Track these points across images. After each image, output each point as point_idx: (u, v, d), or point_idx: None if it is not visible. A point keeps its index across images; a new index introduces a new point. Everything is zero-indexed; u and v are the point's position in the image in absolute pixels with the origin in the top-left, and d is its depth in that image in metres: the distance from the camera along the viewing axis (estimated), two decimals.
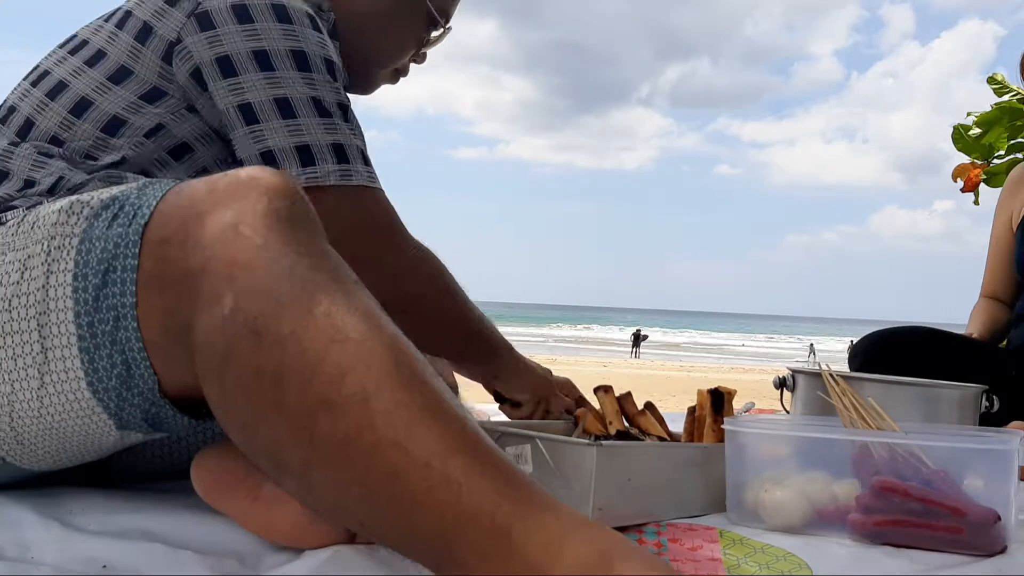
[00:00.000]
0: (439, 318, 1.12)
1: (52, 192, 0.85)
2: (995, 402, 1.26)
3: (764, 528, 0.91)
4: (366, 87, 1.23)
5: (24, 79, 1.00)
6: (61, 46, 1.00)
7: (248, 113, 0.93)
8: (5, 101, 0.99)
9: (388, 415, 0.55)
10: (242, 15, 0.94)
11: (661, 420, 1.18)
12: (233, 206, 0.65)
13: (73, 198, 0.74)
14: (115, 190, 0.74)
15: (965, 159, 2.82)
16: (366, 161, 0.99)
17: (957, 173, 2.82)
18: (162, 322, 0.67)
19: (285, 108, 0.94)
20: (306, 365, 0.57)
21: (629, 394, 1.18)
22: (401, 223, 1.04)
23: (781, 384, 1.36)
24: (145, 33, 0.94)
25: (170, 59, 0.94)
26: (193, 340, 0.63)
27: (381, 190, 1.01)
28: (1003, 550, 0.86)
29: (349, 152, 0.97)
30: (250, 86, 0.93)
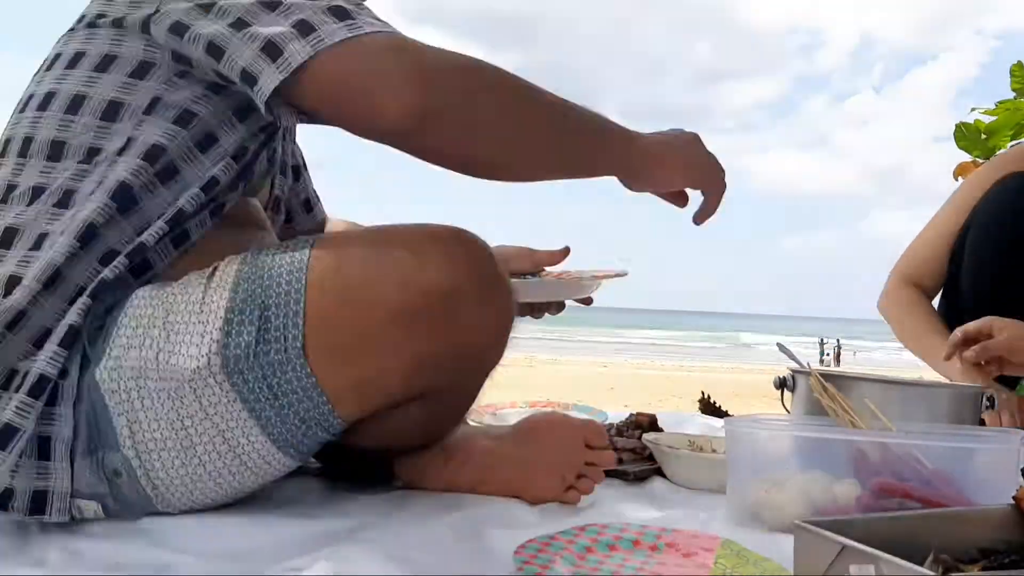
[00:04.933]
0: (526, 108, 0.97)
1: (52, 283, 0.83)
2: (995, 402, 1.26)
3: (764, 529, 0.91)
4: None
5: (13, 113, 0.97)
6: (40, 68, 0.98)
7: (240, 24, 0.87)
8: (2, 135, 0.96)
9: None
10: None
11: None
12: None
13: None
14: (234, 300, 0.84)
15: (966, 158, 2.82)
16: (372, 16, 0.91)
17: (959, 171, 2.82)
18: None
19: (273, 4, 0.88)
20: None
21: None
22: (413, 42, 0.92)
23: (781, 384, 1.36)
24: (121, 20, 0.92)
25: (148, 28, 0.91)
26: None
27: (395, 32, 0.91)
28: None
29: (351, 11, 0.88)
30: (232, 4, 0.88)
